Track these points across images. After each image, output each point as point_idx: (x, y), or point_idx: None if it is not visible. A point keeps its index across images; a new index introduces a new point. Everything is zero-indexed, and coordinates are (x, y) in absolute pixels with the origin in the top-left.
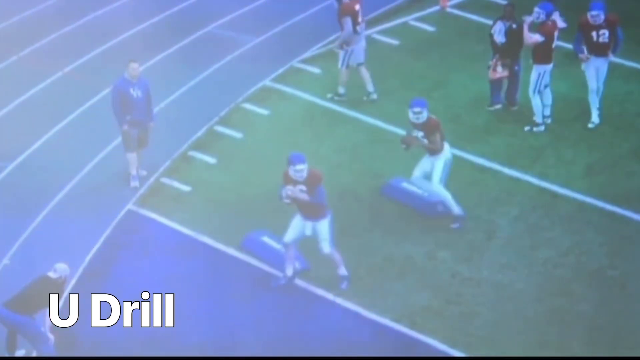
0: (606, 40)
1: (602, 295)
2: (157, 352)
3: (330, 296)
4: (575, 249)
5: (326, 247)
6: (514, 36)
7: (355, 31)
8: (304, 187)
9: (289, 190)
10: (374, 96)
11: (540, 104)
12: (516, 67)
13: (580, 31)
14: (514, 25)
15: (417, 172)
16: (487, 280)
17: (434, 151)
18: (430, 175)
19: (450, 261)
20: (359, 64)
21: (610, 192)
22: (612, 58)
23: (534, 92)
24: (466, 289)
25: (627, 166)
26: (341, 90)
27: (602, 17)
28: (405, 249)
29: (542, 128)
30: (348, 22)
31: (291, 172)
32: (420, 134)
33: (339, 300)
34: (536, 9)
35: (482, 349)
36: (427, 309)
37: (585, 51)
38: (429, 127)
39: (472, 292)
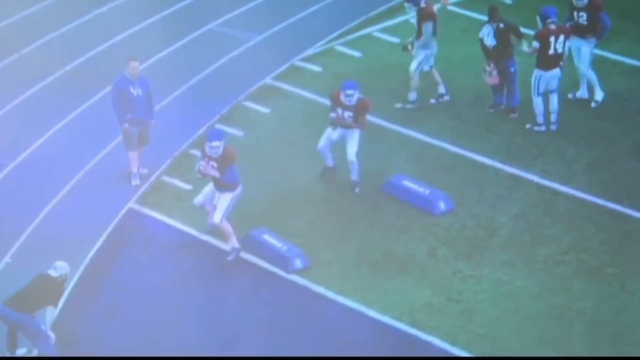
0: (584, 22)
1: (602, 292)
2: (157, 352)
3: (330, 294)
4: (576, 247)
5: (217, 217)
6: (504, 36)
7: (434, 34)
8: (215, 164)
9: (202, 166)
10: (447, 97)
11: (541, 105)
12: (512, 69)
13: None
14: (502, 25)
15: (323, 142)
16: (488, 277)
17: (355, 128)
18: (338, 144)
19: (450, 258)
20: (431, 67)
21: (611, 189)
22: (592, 41)
23: (534, 93)
24: (467, 286)
25: (628, 163)
26: (412, 96)
27: (586, 0)
28: (405, 247)
29: (542, 128)
30: (429, 26)
31: (207, 148)
32: (348, 113)
33: (340, 299)
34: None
35: (482, 347)
36: (428, 307)
37: None
38: (359, 108)
39: (473, 290)
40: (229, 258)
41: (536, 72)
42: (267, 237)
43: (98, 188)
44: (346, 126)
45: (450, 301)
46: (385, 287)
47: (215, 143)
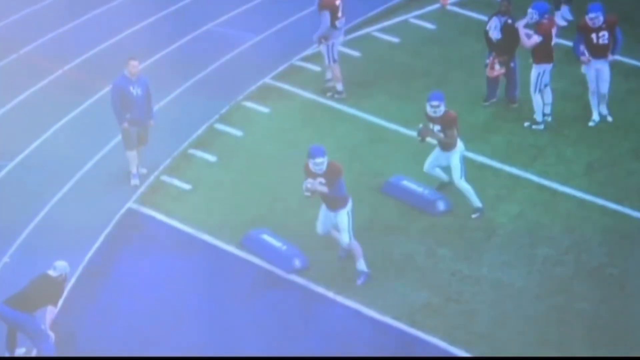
0: (606, 42)
1: (601, 293)
2: (157, 352)
3: (330, 294)
4: (575, 247)
5: (345, 237)
6: (510, 31)
7: (333, 25)
8: (323, 180)
9: (309, 183)
10: (343, 95)
11: (541, 103)
12: (512, 64)
13: (580, 34)
14: (510, 21)
15: (429, 166)
16: (487, 278)
17: (449, 146)
18: (448, 170)
19: (450, 259)
20: (334, 60)
21: (610, 190)
22: (612, 58)
23: (535, 91)
24: (466, 287)
25: (627, 164)
26: (339, 87)
27: (601, 19)
28: (405, 247)
29: (541, 127)
30: (326, 15)
31: (311, 165)
32: (436, 127)
33: (339, 299)
34: (530, 10)
35: (481, 347)
36: (427, 307)
37: (587, 53)
38: (446, 121)
39: (472, 290)
40: (359, 282)
41: (539, 67)
42: (267, 237)
43: (97, 188)
44: (438, 140)
45: (449, 301)
46: (384, 287)
47: (319, 159)
